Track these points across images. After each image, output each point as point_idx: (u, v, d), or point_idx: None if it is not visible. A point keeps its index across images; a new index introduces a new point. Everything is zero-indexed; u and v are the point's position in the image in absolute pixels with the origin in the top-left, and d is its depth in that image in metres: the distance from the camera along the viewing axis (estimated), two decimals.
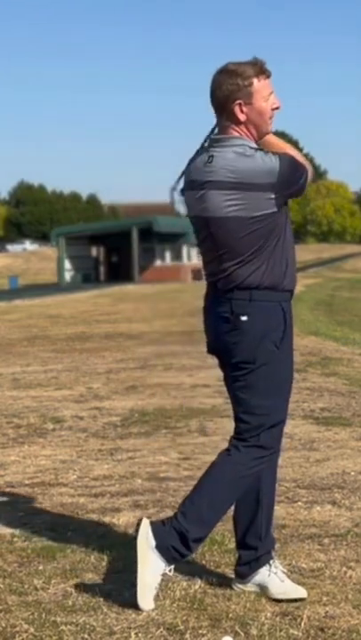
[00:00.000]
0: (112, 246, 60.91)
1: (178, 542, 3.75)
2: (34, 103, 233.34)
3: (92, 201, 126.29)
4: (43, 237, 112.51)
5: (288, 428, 7.79)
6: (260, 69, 3.77)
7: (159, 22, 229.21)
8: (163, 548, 3.74)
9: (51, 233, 68.50)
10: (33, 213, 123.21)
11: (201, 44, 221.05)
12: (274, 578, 3.89)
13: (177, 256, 60.70)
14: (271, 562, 3.94)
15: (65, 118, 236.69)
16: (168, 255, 61.05)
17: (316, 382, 10.36)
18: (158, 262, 60.10)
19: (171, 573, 3.81)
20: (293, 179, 3.73)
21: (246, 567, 3.95)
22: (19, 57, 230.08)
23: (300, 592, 3.85)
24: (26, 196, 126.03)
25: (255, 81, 3.76)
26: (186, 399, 9.12)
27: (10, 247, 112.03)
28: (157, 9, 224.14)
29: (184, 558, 3.84)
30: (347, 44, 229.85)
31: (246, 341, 3.77)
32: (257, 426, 3.85)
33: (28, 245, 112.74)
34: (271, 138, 3.89)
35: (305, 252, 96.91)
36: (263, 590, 3.88)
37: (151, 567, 3.72)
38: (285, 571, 3.98)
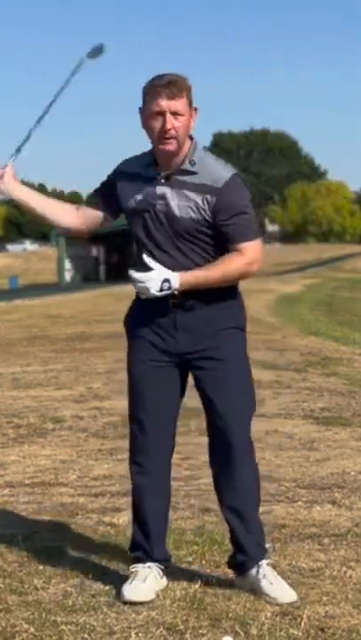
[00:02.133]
0: (112, 246, 60.85)
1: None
2: (34, 103, 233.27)
3: (92, 201, 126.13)
4: (43, 237, 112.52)
5: (288, 427, 7.83)
6: (153, 84, 3.73)
7: (159, 22, 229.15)
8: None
9: (51, 233, 68.45)
10: None
11: (201, 45, 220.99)
12: (263, 581, 3.88)
13: None
14: (260, 564, 3.93)
15: (65, 118, 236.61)
16: None
17: (316, 382, 10.36)
18: None
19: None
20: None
21: (239, 569, 4.00)
22: (19, 57, 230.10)
23: (291, 596, 3.83)
24: None
25: (146, 96, 3.77)
26: (186, 399, 9.10)
27: (10, 247, 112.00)
28: (157, 10, 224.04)
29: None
30: (347, 45, 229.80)
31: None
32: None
33: (29, 245, 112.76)
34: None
35: (305, 252, 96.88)
36: (256, 593, 3.88)
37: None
38: (275, 574, 3.95)
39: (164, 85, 3.69)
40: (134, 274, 3.79)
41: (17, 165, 4.06)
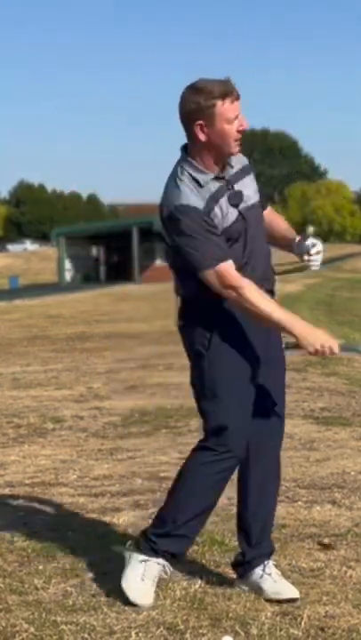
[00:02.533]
0: (112, 246, 60.90)
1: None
2: (34, 103, 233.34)
3: (92, 201, 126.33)
4: (43, 237, 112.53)
5: (288, 427, 7.79)
6: (227, 90, 3.63)
7: (158, 23, 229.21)
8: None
9: (51, 233, 68.50)
10: (33, 213, 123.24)
11: (201, 45, 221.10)
12: (267, 579, 3.89)
13: None
14: (266, 562, 3.93)
15: (65, 118, 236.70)
16: None
17: (316, 382, 10.36)
18: (159, 262, 60.07)
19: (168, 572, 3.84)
20: (168, 232, 3.72)
21: (241, 568, 3.98)
22: (19, 57, 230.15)
23: (293, 592, 3.84)
24: (26, 195, 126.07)
25: (219, 103, 3.62)
26: (186, 399, 9.10)
27: (10, 247, 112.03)
28: (157, 10, 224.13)
29: (176, 557, 3.89)
30: (347, 44, 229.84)
31: (185, 346, 3.90)
32: (204, 427, 3.94)
33: (29, 245, 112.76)
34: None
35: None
36: (258, 591, 3.88)
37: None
38: (279, 573, 3.97)
39: (235, 90, 3.66)
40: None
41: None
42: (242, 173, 3.82)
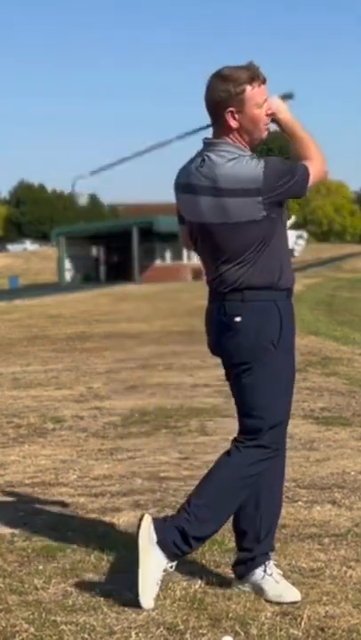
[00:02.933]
0: (112, 246, 60.91)
1: (179, 539, 3.77)
2: (34, 103, 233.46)
3: (93, 201, 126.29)
4: (43, 237, 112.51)
5: (288, 427, 7.80)
6: (254, 75, 3.72)
7: (159, 24, 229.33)
8: (164, 544, 3.75)
9: (51, 233, 68.49)
10: (33, 213, 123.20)
11: (201, 46, 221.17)
12: (269, 579, 3.88)
13: (177, 256, 60.66)
14: (267, 563, 3.93)
15: (65, 118, 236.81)
16: (168, 255, 61.00)
17: (316, 382, 10.36)
18: (158, 262, 60.09)
19: (172, 569, 3.82)
20: (280, 183, 3.69)
21: (242, 567, 3.97)
22: (19, 57, 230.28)
23: (295, 595, 3.84)
24: (26, 195, 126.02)
25: (248, 88, 3.71)
26: (186, 399, 9.11)
27: (10, 247, 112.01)
28: (157, 10, 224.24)
29: (185, 555, 3.87)
30: (348, 44, 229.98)
31: (243, 342, 3.78)
32: (258, 426, 3.85)
33: (29, 245, 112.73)
34: (295, 127, 3.89)
35: (305, 252, 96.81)
36: (259, 592, 3.88)
37: (152, 562, 3.73)
38: (281, 572, 3.97)
39: (262, 73, 3.74)
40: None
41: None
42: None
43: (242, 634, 3.50)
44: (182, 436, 7.36)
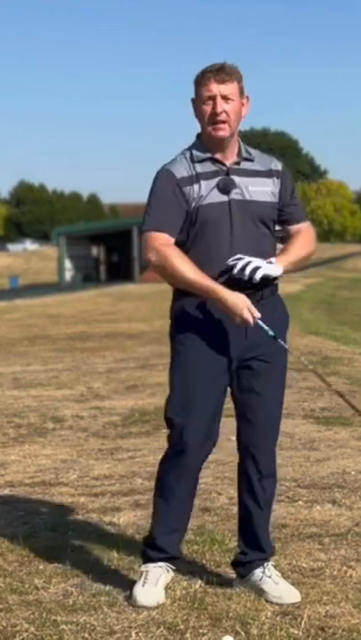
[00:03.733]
0: (112, 246, 60.85)
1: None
2: (35, 103, 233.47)
3: (93, 201, 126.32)
4: (43, 237, 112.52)
5: (288, 427, 7.82)
6: (205, 71, 3.79)
7: (159, 25, 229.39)
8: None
9: (52, 233, 68.46)
10: (33, 213, 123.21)
11: (201, 43, 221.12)
12: (268, 581, 3.89)
13: None
14: (265, 564, 3.94)
15: (65, 118, 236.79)
16: None
17: (316, 382, 10.35)
18: None
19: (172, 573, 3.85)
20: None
21: (241, 568, 4.00)
22: (20, 58, 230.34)
23: (294, 596, 3.84)
24: (26, 195, 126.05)
25: (199, 84, 3.80)
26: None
27: (10, 247, 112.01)
28: (157, 10, 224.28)
29: (152, 560, 3.93)
30: (348, 44, 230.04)
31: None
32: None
33: (29, 245, 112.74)
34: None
35: None
36: (259, 593, 3.88)
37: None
38: (279, 574, 3.96)
39: (214, 71, 3.78)
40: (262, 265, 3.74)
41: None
42: (256, 174, 3.84)
43: (242, 633, 3.50)
44: None
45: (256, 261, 3.72)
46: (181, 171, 3.80)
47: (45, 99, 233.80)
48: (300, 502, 5.40)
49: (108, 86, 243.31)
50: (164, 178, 3.80)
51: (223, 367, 3.85)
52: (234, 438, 4.02)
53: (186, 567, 4.21)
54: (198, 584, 4.01)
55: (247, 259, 3.72)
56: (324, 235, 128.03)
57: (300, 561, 4.34)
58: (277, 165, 3.94)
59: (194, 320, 3.84)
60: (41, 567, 4.33)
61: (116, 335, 17.94)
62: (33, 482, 6.03)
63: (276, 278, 3.82)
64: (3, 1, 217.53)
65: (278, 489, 5.66)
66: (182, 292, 3.84)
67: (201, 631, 3.53)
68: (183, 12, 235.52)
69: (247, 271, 3.70)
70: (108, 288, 46.48)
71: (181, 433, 3.87)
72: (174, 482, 3.90)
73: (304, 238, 3.99)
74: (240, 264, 3.72)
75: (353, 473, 6.08)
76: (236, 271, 3.72)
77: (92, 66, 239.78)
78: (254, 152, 3.93)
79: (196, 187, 3.77)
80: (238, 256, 3.75)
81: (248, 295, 3.74)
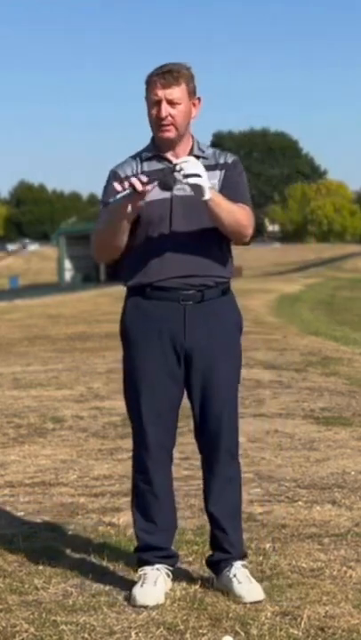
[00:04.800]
0: None
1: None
2: (35, 103, 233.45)
3: (93, 201, 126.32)
4: (43, 237, 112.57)
5: (288, 427, 7.83)
6: (151, 74, 3.80)
7: (158, 23, 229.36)
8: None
9: (52, 233, 68.46)
10: (33, 213, 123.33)
11: (201, 44, 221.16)
12: (233, 580, 3.88)
13: None
14: (233, 563, 3.93)
15: (65, 118, 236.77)
16: None
17: (316, 382, 10.36)
18: None
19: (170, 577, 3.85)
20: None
21: (211, 568, 4.02)
22: (20, 58, 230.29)
23: (256, 594, 3.81)
24: (26, 195, 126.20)
25: (145, 85, 3.82)
26: (186, 399, 9.09)
27: (10, 247, 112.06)
28: (157, 10, 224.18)
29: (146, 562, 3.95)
30: (348, 44, 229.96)
31: None
32: None
33: (29, 245, 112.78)
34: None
35: (305, 252, 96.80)
36: (228, 592, 3.87)
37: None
38: (246, 573, 3.92)
39: (159, 75, 3.78)
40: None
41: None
42: (204, 169, 3.78)
43: (242, 634, 3.50)
44: (182, 436, 7.31)
45: (200, 173, 3.67)
46: (126, 170, 3.87)
47: (45, 99, 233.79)
48: (299, 502, 5.40)
49: (108, 86, 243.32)
50: (109, 179, 3.89)
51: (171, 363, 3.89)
52: None
53: (186, 567, 4.21)
54: (198, 584, 4.01)
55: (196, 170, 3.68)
56: (324, 235, 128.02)
57: (300, 561, 4.34)
58: (228, 159, 3.90)
59: (135, 322, 3.93)
60: (41, 567, 4.33)
61: (116, 335, 17.81)
62: (33, 482, 6.03)
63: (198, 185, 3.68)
64: (3, 1, 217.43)
65: (278, 489, 5.69)
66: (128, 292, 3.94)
67: (201, 631, 3.53)
68: (183, 13, 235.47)
69: (186, 171, 3.67)
70: (108, 288, 46.46)
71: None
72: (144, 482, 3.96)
73: (241, 208, 3.84)
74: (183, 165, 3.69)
75: (353, 473, 6.08)
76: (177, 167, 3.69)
77: (92, 66, 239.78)
78: (210, 150, 3.93)
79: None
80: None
81: (185, 297, 3.81)
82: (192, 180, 3.68)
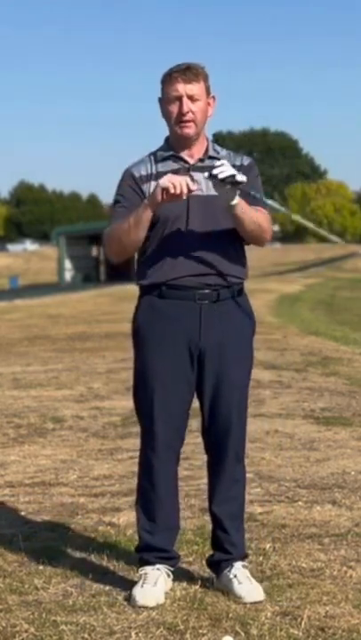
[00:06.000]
0: None
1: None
2: (35, 103, 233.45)
3: (92, 201, 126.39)
4: (43, 237, 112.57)
5: (288, 427, 7.83)
6: (170, 71, 3.81)
7: (158, 23, 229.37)
8: None
9: (52, 233, 68.44)
10: (33, 213, 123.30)
11: (201, 44, 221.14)
12: (233, 580, 3.88)
13: None
14: (234, 564, 3.93)
15: (65, 118, 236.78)
16: None
17: (316, 382, 10.36)
18: None
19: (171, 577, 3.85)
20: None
21: (212, 568, 4.02)
22: (20, 58, 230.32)
23: (257, 595, 3.82)
24: (26, 195, 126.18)
25: (164, 84, 3.83)
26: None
27: (10, 247, 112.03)
28: (157, 11, 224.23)
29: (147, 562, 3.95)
30: (348, 44, 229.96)
31: None
32: None
33: (29, 245, 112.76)
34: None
35: (305, 252, 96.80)
36: (228, 593, 3.87)
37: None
38: (247, 573, 3.92)
39: (180, 71, 3.79)
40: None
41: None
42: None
43: (242, 634, 3.50)
44: None
45: (232, 172, 3.66)
46: (141, 170, 3.87)
47: (45, 98, 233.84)
48: (300, 502, 5.40)
49: (108, 86, 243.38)
50: (124, 178, 3.90)
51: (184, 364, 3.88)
52: None
53: (186, 567, 4.21)
54: (198, 584, 4.01)
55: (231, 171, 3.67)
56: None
57: (300, 561, 4.34)
58: (244, 161, 3.91)
59: (148, 322, 3.90)
60: (41, 567, 4.32)
61: (116, 335, 17.91)
62: (33, 482, 6.03)
63: (238, 183, 3.67)
64: (3, 1, 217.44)
65: (278, 489, 5.69)
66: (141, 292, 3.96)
67: (201, 631, 3.52)
68: (183, 13, 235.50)
69: (224, 174, 3.65)
70: (108, 288, 46.46)
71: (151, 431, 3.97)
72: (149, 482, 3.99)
73: (262, 213, 3.85)
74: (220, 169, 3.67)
75: (353, 473, 6.07)
76: (214, 171, 3.66)
77: (92, 66, 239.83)
78: (224, 151, 3.94)
79: (153, 184, 3.80)
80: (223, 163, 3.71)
81: (201, 296, 3.80)
82: (240, 178, 3.66)
